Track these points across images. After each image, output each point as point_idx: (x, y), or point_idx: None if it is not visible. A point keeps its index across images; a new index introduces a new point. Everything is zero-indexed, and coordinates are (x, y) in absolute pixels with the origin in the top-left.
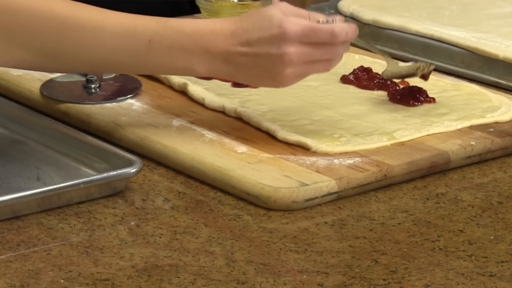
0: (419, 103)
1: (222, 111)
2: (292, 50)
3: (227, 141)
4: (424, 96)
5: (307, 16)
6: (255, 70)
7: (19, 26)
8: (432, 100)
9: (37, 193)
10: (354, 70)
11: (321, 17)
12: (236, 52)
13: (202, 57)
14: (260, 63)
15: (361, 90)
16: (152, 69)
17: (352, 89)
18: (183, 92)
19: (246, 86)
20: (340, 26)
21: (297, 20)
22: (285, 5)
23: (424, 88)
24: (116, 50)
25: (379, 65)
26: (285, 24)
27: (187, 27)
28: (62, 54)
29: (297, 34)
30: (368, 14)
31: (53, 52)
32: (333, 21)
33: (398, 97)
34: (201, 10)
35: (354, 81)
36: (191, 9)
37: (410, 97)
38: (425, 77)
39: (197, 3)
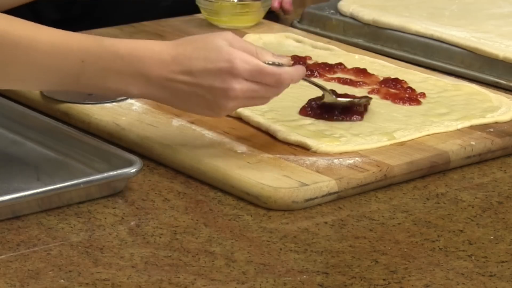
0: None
1: None
2: (237, 86)
3: (227, 141)
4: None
5: (254, 52)
6: (194, 99)
7: None
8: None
9: (37, 193)
10: (310, 101)
11: (269, 55)
12: (175, 80)
13: (137, 81)
14: (201, 93)
15: (361, 90)
16: (84, 88)
17: (352, 89)
18: None
19: None
20: (287, 72)
21: (246, 57)
22: (233, 36)
23: (424, 88)
24: (48, 69)
25: (379, 65)
26: (234, 59)
27: (123, 49)
28: None
29: (245, 72)
30: (368, 14)
31: None
32: (279, 64)
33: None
34: (201, 10)
35: (310, 112)
36: (193, 9)
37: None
38: (362, 112)
39: (197, 3)
